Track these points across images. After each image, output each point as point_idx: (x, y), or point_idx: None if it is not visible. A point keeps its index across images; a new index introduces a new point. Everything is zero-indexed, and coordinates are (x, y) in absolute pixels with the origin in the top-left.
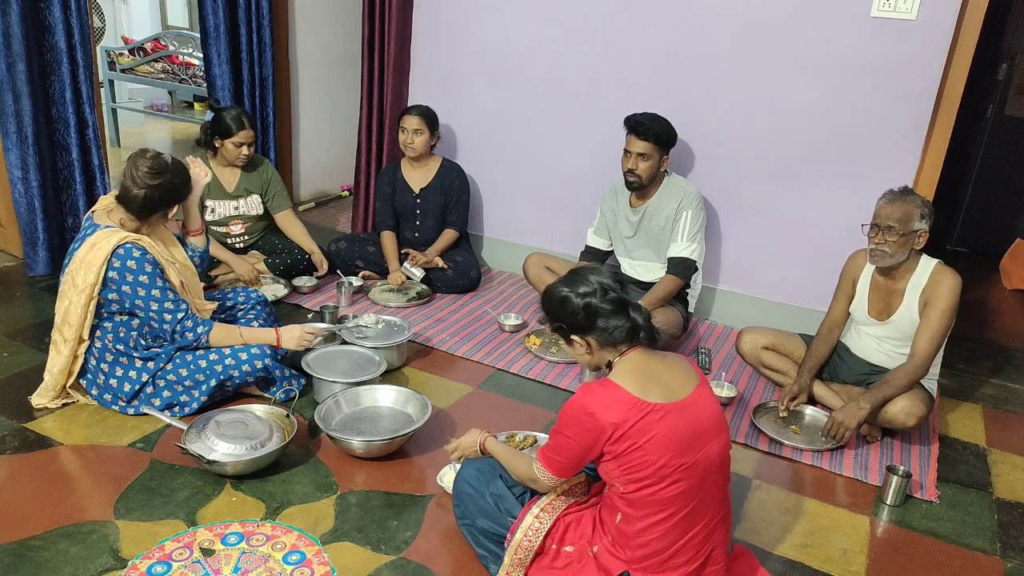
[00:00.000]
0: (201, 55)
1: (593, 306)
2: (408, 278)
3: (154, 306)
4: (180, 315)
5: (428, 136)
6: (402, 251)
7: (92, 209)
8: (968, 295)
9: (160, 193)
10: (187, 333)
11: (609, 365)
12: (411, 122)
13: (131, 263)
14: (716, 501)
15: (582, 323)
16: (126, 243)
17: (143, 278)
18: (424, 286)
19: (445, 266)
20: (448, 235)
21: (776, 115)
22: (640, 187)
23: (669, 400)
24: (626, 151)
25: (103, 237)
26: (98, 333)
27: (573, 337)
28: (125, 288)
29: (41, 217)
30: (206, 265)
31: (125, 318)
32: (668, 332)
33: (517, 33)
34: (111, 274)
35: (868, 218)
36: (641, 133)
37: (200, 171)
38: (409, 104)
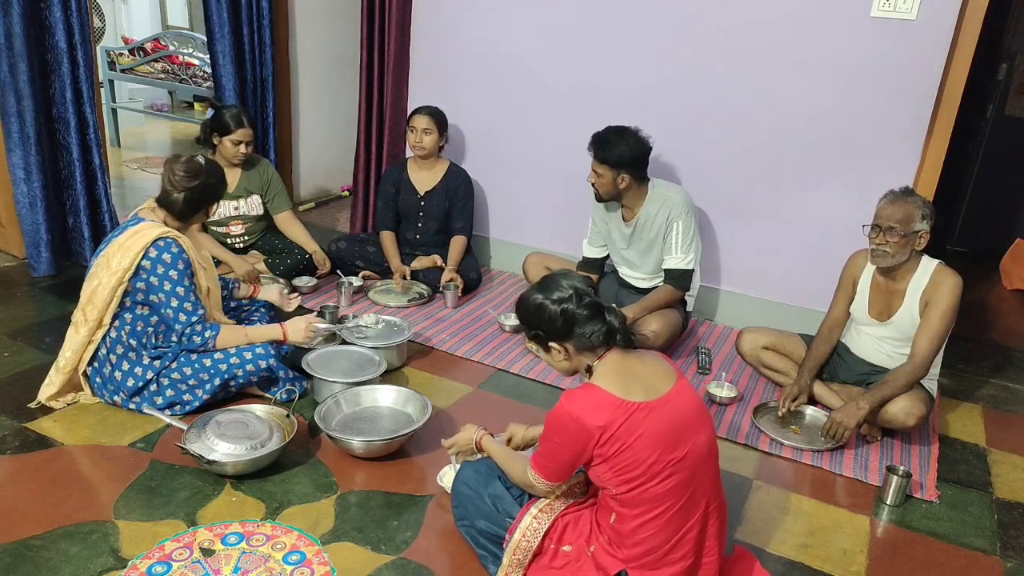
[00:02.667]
0: (201, 55)
1: (570, 312)
2: (412, 278)
3: (174, 302)
4: (194, 319)
5: (437, 136)
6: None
7: (138, 208)
8: (968, 295)
9: (198, 194)
10: (195, 337)
11: (588, 369)
12: (420, 121)
13: (167, 256)
14: (708, 492)
15: (560, 329)
16: (167, 237)
17: (172, 273)
18: (425, 286)
19: (442, 266)
20: (459, 244)
21: (776, 115)
22: (600, 199)
23: (651, 397)
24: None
25: (147, 228)
26: (116, 323)
27: (551, 344)
28: (153, 279)
29: (44, 217)
30: (227, 293)
31: (146, 312)
32: (668, 333)
33: (517, 32)
34: (144, 262)
35: (868, 218)
36: (591, 151)
37: (283, 299)
38: (409, 104)
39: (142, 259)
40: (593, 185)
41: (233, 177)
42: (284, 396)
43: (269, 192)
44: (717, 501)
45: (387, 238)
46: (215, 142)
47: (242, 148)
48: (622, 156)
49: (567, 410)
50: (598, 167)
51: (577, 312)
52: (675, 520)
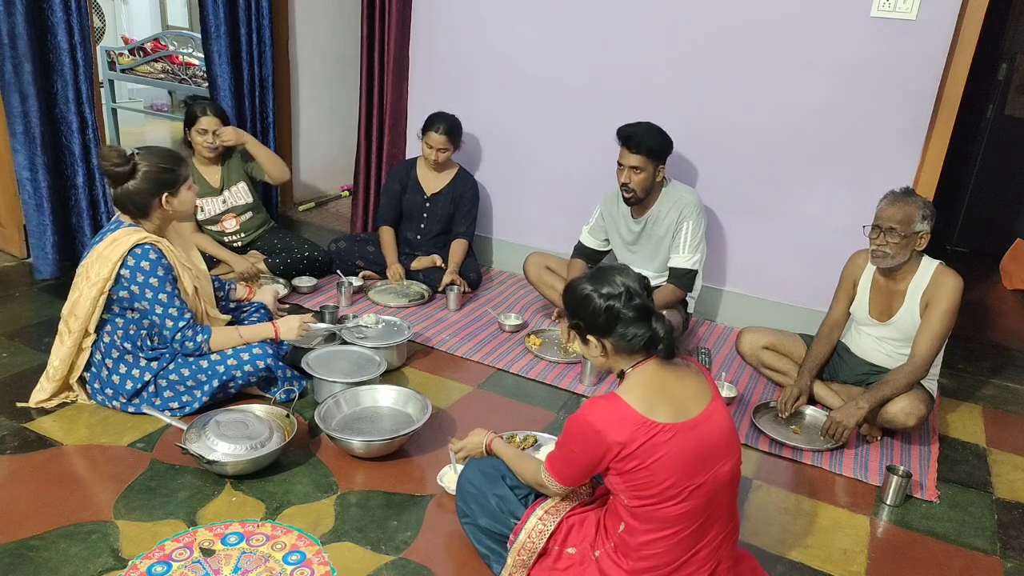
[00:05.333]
0: (201, 55)
1: (615, 310)
2: (411, 278)
3: (158, 310)
4: (181, 323)
5: (452, 152)
6: (410, 262)
7: (117, 212)
8: (968, 295)
9: (136, 183)
10: (187, 343)
11: (621, 375)
12: (437, 140)
13: (145, 264)
14: (723, 518)
15: (601, 325)
16: (144, 243)
17: (153, 280)
18: (425, 286)
19: (442, 267)
20: (461, 247)
21: (776, 115)
22: (637, 201)
23: (679, 419)
24: (619, 164)
25: (124, 234)
26: (108, 328)
27: (589, 337)
28: (134, 288)
29: (51, 218)
30: (223, 294)
31: (136, 316)
32: None
33: (517, 32)
34: (123, 272)
35: (868, 218)
36: (632, 146)
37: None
38: (409, 104)
39: (120, 268)
40: (625, 186)
41: (214, 174)
42: (284, 396)
43: (246, 157)
44: (731, 527)
45: (386, 233)
46: (189, 139)
47: (208, 137)
48: (658, 145)
49: (588, 419)
50: (639, 161)
51: (623, 312)
52: (685, 543)
